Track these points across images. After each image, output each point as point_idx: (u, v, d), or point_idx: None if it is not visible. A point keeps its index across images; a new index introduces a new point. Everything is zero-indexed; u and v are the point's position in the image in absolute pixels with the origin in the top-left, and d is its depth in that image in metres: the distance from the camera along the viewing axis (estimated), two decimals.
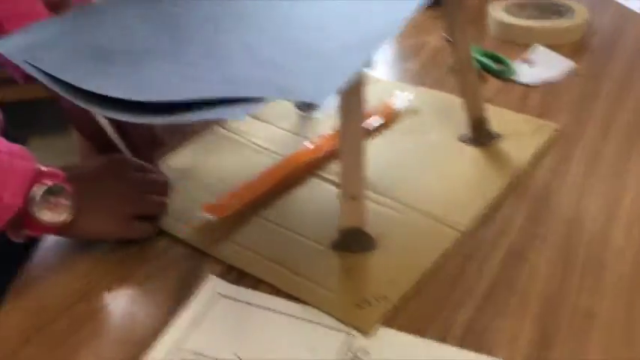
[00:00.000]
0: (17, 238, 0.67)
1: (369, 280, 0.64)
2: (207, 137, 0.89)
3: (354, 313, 0.60)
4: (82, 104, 0.59)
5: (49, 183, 0.65)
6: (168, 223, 0.73)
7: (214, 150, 0.86)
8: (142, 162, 0.77)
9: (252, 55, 0.60)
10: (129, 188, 0.72)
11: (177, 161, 0.84)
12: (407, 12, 0.59)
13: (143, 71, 0.60)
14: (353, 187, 0.65)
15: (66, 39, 0.66)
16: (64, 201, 0.66)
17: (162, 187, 0.76)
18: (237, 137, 0.88)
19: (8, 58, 0.64)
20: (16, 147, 0.65)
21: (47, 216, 0.65)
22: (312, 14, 0.66)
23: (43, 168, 0.66)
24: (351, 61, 0.53)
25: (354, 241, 0.67)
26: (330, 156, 0.82)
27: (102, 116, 0.75)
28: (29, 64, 0.62)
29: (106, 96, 0.57)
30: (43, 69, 0.61)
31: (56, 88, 0.60)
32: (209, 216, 0.71)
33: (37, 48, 0.64)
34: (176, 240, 0.71)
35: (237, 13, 0.69)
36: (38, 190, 0.64)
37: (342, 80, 0.51)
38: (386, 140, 0.86)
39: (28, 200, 0.64)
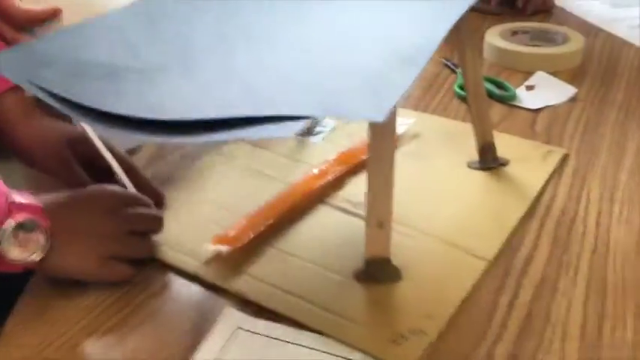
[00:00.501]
0: None
1: (402, 313, 0.60)
2: (204, 163, 0.84)
3: (391, 349, 0.56)
4: (89, 123, 0.54)
5: (21, 218, 0.59)
6: (173, 255, 0.67)
7: (212, 176, 0.81)
8: (137, 195, 0.71)
9: (278, 74, 0.56)
10: (113, 226, 0.65)
11: (177, 189, 0.79)
12: (445, 22, 0.56)
13: (158, 89, 0.55)
14: (380, 214, 0.60)
15: (67, 55, 0.61)
16: (35, 237, 0.60)
17: (154, 224, 0.69)
18: (234, 163, 0.84)
19: (7, 77, 0.58)
20: None
21: (15, 253, 0.59)
22: (331, 33, 0.63)
23: (17, 198, 0.60)
24: (404, 76, 0.49)
25: (379, 272, 0.63)
26: (336, 182, 0.79)
27: (101, 144, 0.69)
28: (31, 83, 0.57)
29: (117, 115, 0.52)
30: (47, 88, 0.56)
31: (60, 107, 0.55)
32: (219, 247, 0.66)
33: (37, 65, 0.59)
34: (182, 273, 0.66)
35: (247, 33, 0.64)
36: (8, 226, 0.58)
37: (398, 95, 0.47)
38: None
39: None
